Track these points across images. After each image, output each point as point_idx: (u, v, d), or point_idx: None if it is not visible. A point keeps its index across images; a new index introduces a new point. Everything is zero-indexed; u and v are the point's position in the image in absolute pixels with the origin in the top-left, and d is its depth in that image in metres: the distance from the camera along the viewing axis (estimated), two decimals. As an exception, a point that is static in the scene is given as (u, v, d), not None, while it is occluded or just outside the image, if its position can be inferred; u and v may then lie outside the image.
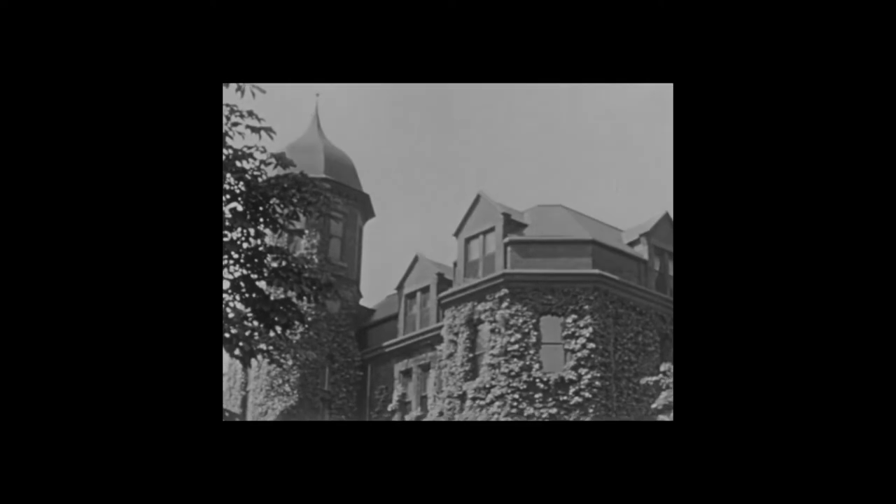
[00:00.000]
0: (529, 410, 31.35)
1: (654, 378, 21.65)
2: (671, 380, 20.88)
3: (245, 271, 14.54)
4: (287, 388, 38.79)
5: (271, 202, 14.73)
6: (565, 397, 31.41)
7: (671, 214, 36.28)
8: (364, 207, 43.95)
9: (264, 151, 14.46)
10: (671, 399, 20.57)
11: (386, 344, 39.49)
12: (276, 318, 14.67)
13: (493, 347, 32.54)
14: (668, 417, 20.80)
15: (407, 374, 38.48)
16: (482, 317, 33.41)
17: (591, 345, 31.82)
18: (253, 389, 39.88)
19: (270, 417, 38.87)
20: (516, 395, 31.64)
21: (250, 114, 14.22)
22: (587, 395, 31.29)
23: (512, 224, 34.64)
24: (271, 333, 14.74)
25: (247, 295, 14.50)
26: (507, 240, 34.06)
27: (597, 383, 31.51)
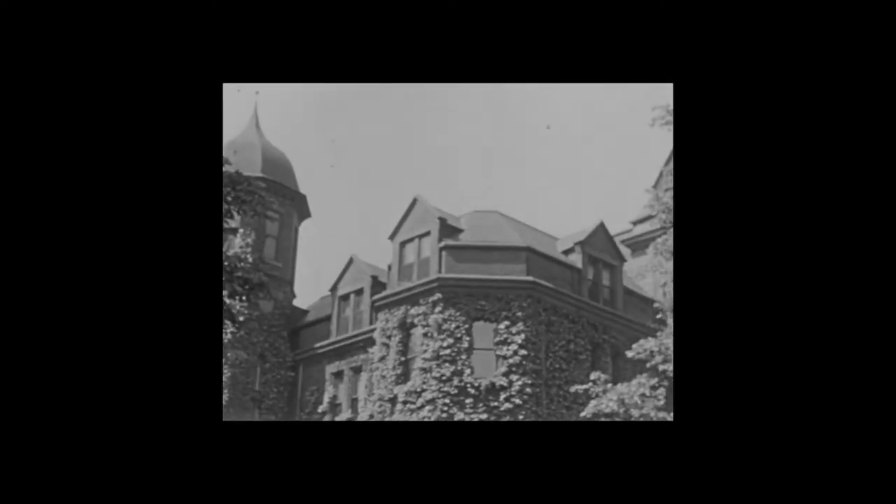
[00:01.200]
0: (460, 415, 31.41)
1: (585, 386, 21.78)
2: (601, 388, 21.06)
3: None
4: (217, 387, 38.47)
5: (205, 200, 14.62)
6: (496, 403, 31.52)
7: (606, 224, 36.58)
8: (300, 208, 43.77)
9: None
10: (600, 408, 20.74)
11: (318, 345, 39.34)
12: (206, 317, 14.55)
13: (425, 351, 32.56)
14: (596, 426, 20.95)
15: (338, 375, 38.36)
16: (415, 321, 33.43)
17: (523, 351, 31.97)
18: (182, 388, 39.49)
19: (199, 416, 38.48)
20: (447, 400, 31.69)
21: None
22: (518, 401, 31.43)
23: (447, 229, 34.71)
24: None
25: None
26: (442, 244, 34.12)
27: (527, 390, 31.66)
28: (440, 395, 31.78)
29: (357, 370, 37.55)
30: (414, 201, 35.88)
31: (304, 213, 44.26)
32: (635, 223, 39.58)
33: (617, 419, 20.72)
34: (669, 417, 20.53)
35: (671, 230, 23.28)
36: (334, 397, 38.14)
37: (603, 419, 20.97)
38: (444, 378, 31.94)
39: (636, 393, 20.55)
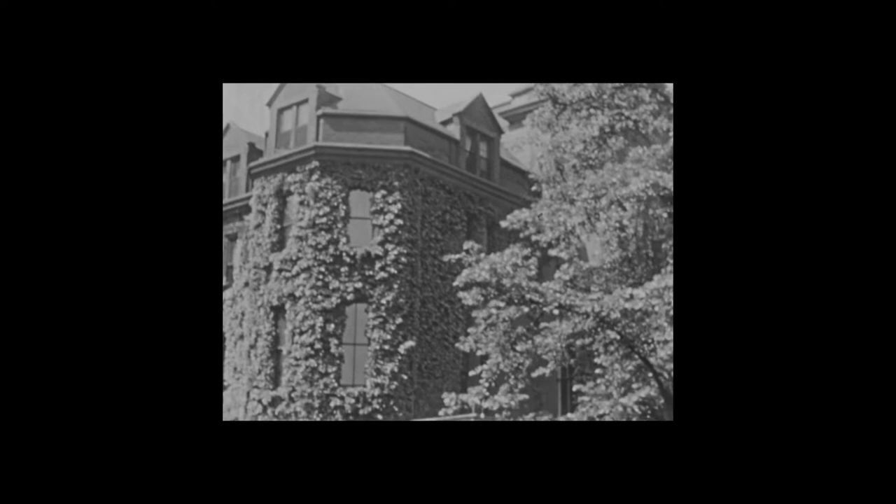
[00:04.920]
0: (335, 284, 31.56)
1: (458, 256, 22.00)
2: (474, 258, 21.32)
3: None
4: (88, 252, 37.89)
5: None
6: (371, 272, 31.73)
7: (485, 96, 36.58)
8: (174, 71, 42.68)
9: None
10: (473, 276, 21.02)
11: (193, 212, 38.86)
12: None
13: (301, 220, 32.45)
14: (468, 294, 21.30)
15: (213, 243, 38.05)
16: (292, 188, 33.21)
17: (399, 221, 32.11)
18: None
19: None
20: (322, 269, 31.77)
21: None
22: (393, 270, 31.69)
23: (326, 97, 34.31)
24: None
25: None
26: (320, 112, 33.75)
27: (402, 259, 31.91)
28: (315, 264, 31.83)
29: (233, 238, 37.31)
30: (292, 67, 35.26)
31: (179, 77, 43.21)
32: (514, 96, 39.68)
33: (490, 288, 21.03)
34: (541, 288, 20.97)
35: (548, 102, 23.42)
36: (209, 264, 37.89)
37: (476, 288, 21.26)
38: (319, 246, 31.95)
39: (508, 262, 20.87)
